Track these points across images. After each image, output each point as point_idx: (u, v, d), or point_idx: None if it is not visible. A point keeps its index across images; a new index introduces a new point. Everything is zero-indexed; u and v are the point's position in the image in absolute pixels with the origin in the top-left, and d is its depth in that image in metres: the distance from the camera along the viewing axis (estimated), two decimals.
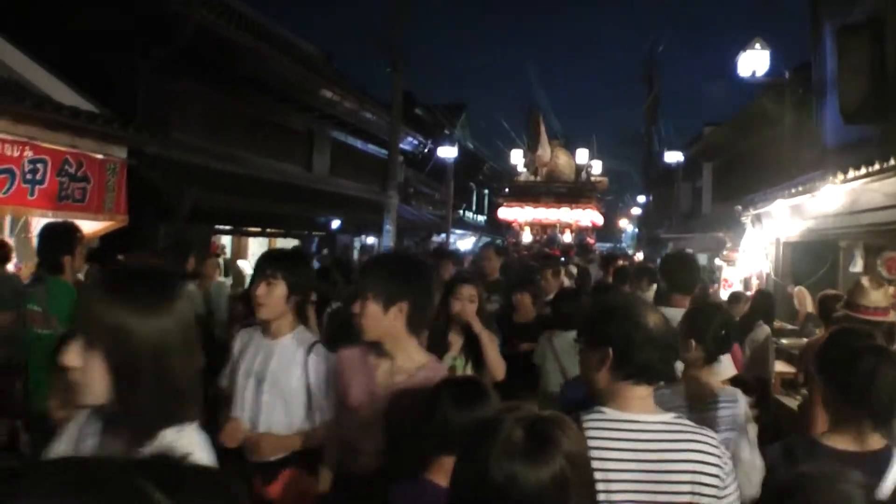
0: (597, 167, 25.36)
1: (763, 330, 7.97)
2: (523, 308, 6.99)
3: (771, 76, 14.20)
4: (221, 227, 15.56)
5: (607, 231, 61.36)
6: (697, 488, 2.23)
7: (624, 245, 58.87)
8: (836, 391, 2.76)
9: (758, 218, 12.60)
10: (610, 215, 59.07)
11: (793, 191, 10.02)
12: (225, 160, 15.42)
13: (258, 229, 16.99)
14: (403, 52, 18.71)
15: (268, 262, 3.69)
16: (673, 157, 27.85)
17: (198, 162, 14.48)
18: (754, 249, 12.87)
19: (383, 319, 3.09)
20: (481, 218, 39.77)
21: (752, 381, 6.87)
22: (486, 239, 34.37)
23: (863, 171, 7.61)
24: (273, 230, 17.33)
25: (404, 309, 3.10)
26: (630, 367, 2.35)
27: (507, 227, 26.81)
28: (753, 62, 13.88)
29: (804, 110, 13.71)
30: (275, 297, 3.54)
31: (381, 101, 22.05)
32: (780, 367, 8.58)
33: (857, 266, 10.32)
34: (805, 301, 10.70)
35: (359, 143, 22.86)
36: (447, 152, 25.51)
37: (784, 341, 9.67)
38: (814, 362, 3.11)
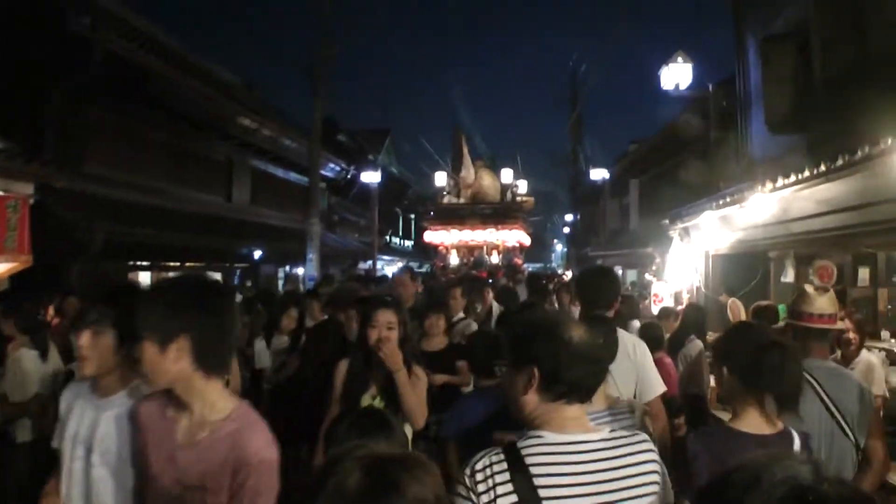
0: (522, 186, 25.03)
1: (695, 345, 7.76)
2: (435, 333, 6.42)
3: (695, 90, 14.33)
4: (139, 262, 15.03)
5: (537, 251, 61.59)
6: (647, 499, 2.22)
7: (554, 265, 59.35)
8: (743, 382, 2.96)
9: (685, 231, 12.59)
10: (539, 235, 59.17)
11: (721, 202, 10.00)
12: (141, 192, 15.04)
13: (177, 264, 16.47)
14: (326, 78, 18.42)
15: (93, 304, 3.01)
16: (598, 174, 28.05)
17: (111, 195, 14.04)
18: (683, 263, 12.87)
19: (163, 362, 2.46)
20: (409, 243, 39.58)
21: (679, 399, 6.74)
22: (413, 264, 34.26)
23: (792, 178, 7.56)
24: (193, 263, 16.81)
25: (185, 346, 2.46)
26: (561, 386, 2.25)
27: (434, 251, 26.51)
28: (676, 76, 13.97)
29: (729, 124, 13.79)
30: (101, 347, 2.88)
31: (303, 127, 21.75)
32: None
33: (789, 276, 10.33)
34: (739, 312, 10.65)
35: (280, 172, 22.56)
36: (371, 177, 25.26)
37: None
38: (717, 356, 3.23)
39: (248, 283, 18.67)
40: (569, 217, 43.27)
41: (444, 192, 23.79)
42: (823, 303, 4.08)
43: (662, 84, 14.09)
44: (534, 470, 2.13)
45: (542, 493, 2.10)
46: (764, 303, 7.94)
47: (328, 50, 18.05)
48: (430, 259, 29.27)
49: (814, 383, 3.65)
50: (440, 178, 24.09)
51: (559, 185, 44.83)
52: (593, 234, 33.13)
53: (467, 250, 23.99)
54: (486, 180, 24.10)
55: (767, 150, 11.46)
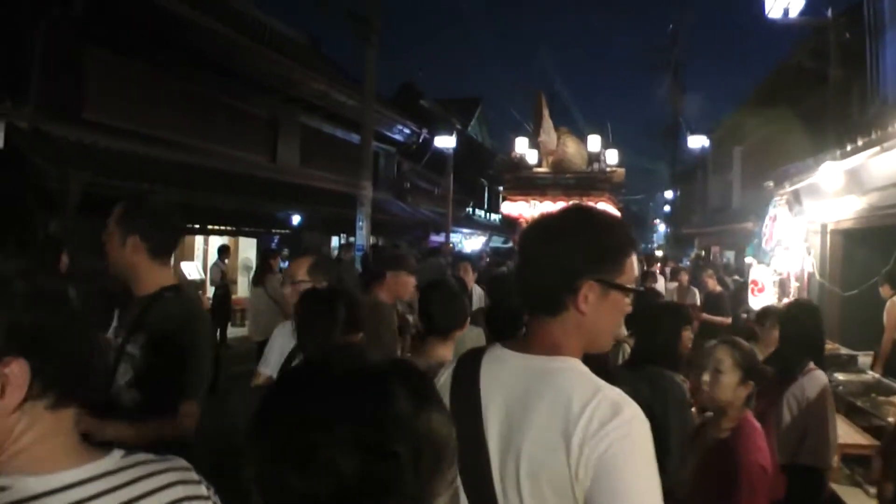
0: (612, 157, 21.65)
1: (815, 379, 4.08)
2: None
3: (809, 17, 10.69)
4: None
5: (639, 231, 58.34)
6: None
7: (654, 245, 55.54)
8: None
9: (796, 197, 9.16)
10: (641, 215, 55.89)
11: (849, 148, 6.58)
12: (155, 145, 12.90)
13: (196, 226, 13.96)
14: (377, 25, 15.67)
15: None
16: (697, 141, 24.55)
17: (112, 146, 11.83)
18: (792, 241, 9.44)
19: None
20: (495, 216, 36.48)
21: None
22: (497, 238, 31.29)
23: None
24: (216, 227, 14.27)
25: None
26: (56, 385, 1.27)
27: (514, 225, 23.54)
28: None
29: (855, 61, 10.25)
30: None
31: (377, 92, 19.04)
32: (843, 429, 4.88)
33: None
34: None
35: (339, 132, 19.88)
36: (445, 142, 22.35)
37: (840, 377, 6.06)
38: None
39: (286, 251, 16.13)
40: (669, 194, 39.43)
41: (516, 159, 20.70)
42: None
43: (767, 10, 10.48)
44: None
45: None
46: None
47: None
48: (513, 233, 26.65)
49: None
50: (520, 145, 21.09)
51: (661, 161, 41.00)
52: (692, 212, 29.48)
53: None
54: (571, 147, 20.98)
55: None
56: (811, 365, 4.09)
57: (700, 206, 26.62)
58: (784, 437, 3.87)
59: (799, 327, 4.32)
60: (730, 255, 20.07)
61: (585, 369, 1.71)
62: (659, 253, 22.68)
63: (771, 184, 9.52)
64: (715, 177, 26.46)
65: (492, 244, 29.64)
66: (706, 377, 3.12)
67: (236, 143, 15.53)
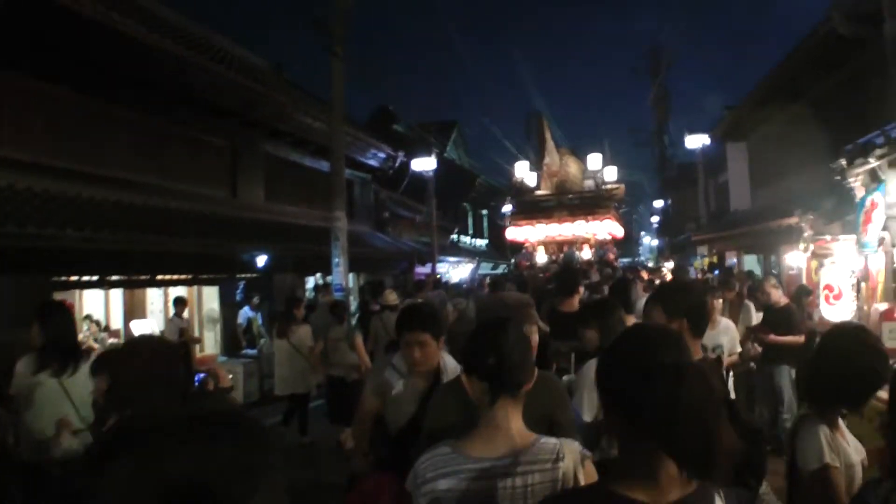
0: (611, 174, 20.64)
1: None
2: None
3: None
4: (70, 278, 10.36)
5: (625, 245, 56.88)
6: None
7: (643, 258, 53.63)
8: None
9: (874, 176, 7.09)
10: (627, 228, 54.21)
11: None
12: (90, 183, 10.80)
13: (146, 277, 11.68)
14: (342, 30, 13.61)
15: None
16: (696, 140, 22.76)
17: (29, 186, 9.67)
18: (871, 232, 7.33)
19: None
20: (481, 242, 34.23)
21: None
22: (486, 265, 29.30)
23: None
24: (167, 276, 12.00)
25: None
26: None
27: (516, 250, 22.23)
28: None
29: None
30: None
31: (348, 116, 16.84)
32: None
33: None
34: None
35: (307, 161, 17.56)
36: (424, 164, 20.34)
37: None
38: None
39: (256, 299, 13.94)
40: (658, 203, 37.41)
41: (517, 184, 19.70)
42: None
43: None
44: None
45: None
46: None
47: (344, 2, 13.35)
48: (507, 259, 26.46)
49: None
50: (520, 169, 20.17)
51: (643, 172, 39.13)
52: (689, 220, 27.49)
53: (556, 246, 20.67)
54: (573, 167, 20.80)
55: None
56: None
57: (705, 210, 24.69)
58: None
59: None
60: (749, 261, 17.90)
61: None
62: (668, 264, 20.49)
63: (843, 162, 7.39)
64: (708, 181, 24.72)
65: (480, 271, 27.58)
66: None
67: (189, 177, 13.29)
